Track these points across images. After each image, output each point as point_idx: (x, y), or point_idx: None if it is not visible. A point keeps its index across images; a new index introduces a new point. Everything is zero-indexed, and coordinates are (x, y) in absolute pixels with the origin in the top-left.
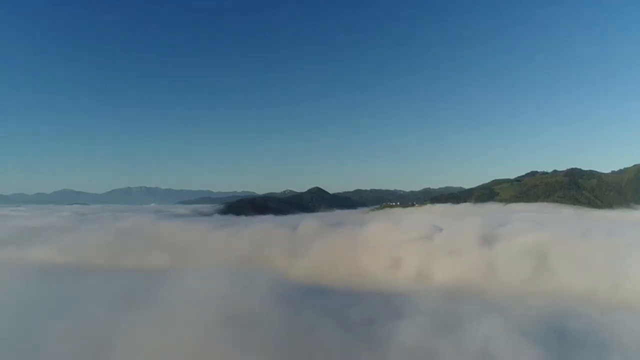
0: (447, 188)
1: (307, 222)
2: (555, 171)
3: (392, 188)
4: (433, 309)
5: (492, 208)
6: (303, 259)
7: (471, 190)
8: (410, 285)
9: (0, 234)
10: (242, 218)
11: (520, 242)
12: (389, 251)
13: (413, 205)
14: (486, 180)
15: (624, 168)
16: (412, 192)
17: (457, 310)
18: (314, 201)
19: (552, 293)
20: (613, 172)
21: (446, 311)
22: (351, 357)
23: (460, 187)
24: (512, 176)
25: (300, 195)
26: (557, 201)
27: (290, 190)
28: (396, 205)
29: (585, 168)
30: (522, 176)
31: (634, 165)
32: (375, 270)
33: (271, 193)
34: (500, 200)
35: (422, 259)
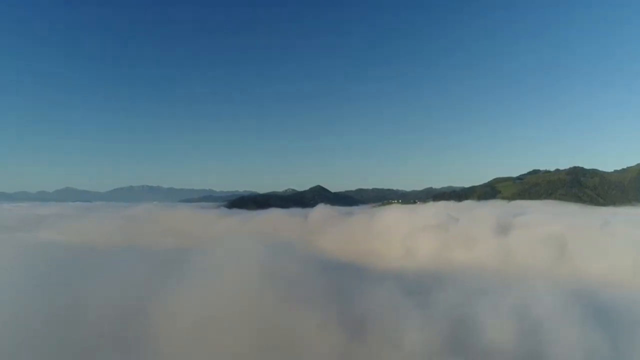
0: (449, 187)
1: (320, 209)
2: (557, 170)
3: (394, 187)
4: (463, 285)
5: (495, 205)
6: (322, 241)
7: (473, 188)
8: (433, 265)
9: (9, 222)
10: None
11: (540, 230)
12: (408, 235)
13: (415, 202)
14: (489, 179)
15: (627, 167)
16: (414, 191)
17: (488, 287)
18: (315, 199)
19: (576, 276)
20: (616, 171)
21: (476, 287)
22: (400, 317)
23: (463, 187)
24: (514, 175)
25: (302, 194)
26: (559, 199)
27: (292, 189)
28: (398, 203)
29: (587, 167)
30: (524, 174)
31: (637, 164)
32: (396, 252)
33: (273, 192)
34: (503, 198)
35: (443, 243)
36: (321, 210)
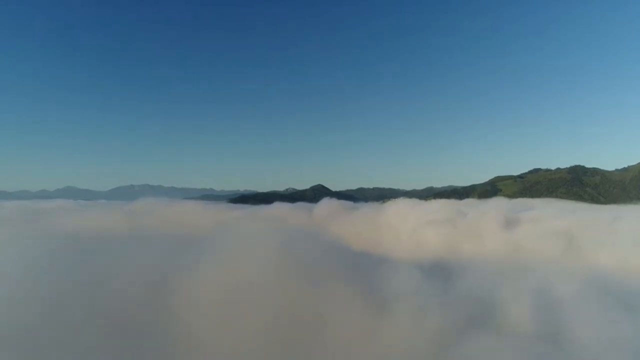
0: (449, 186)
1: (326, 202)
2: (558, 168)
3: (394, 186)
4: (478, 272)
5: (500, 202)
6: (332, 230)
7: (474, 186)
8: (446, 254)
9: (13, 215)
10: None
11: (551, 223)
12: (419, 226)
13: None
14: (489, 178)
15: (628, 166)
16: (414, 190)
17: (503, 274)
18: (317, 198)
19: (590, 265)
20: (617, 169)
21: (492, 274)
22: (420, 299)
23: (463, 186)
24: (515, 173)
25: (303, 192)
26: (560, 197)
27: (293, 189)
28: None
29: (588, 165)
30: (525, 173)
31: (638, 163)
32: (408, 242)
33: (274, 191)
34: (503, 197)
35: (454, 234)
36: (327, 203)
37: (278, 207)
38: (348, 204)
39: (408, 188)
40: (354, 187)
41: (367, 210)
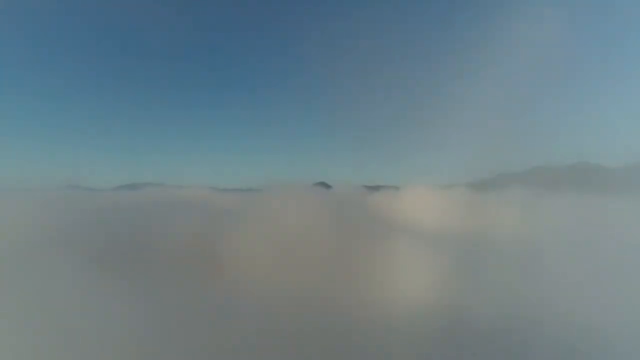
0: (452, 184)
1: (341, 186)
2: (561, 165)
3: (397, 184)
4: (503, 248)
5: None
6: (353, 211)
7: (476, 183)
8: (469, 234)
9: (22, 209)
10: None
11: (564, 211)
12: (436, 209)
13: None
14: (492, 175)
15: (632, 163)
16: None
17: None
18: None
19: (605, 245)
20: (619, 167)
21: (515, 251)
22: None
23: (466, 183)
24: (518, 171)
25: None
26: (563, 193)
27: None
28: None
29: (592, 162)
30: (528, 170)
31: None
32: (426, 222)
33: None
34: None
35: (474, 216)
36: (343, 187)
37: (296, 187)
38: (362, 190)
39: (410, 185)
40: (356, 185)
41: (385, 193)
